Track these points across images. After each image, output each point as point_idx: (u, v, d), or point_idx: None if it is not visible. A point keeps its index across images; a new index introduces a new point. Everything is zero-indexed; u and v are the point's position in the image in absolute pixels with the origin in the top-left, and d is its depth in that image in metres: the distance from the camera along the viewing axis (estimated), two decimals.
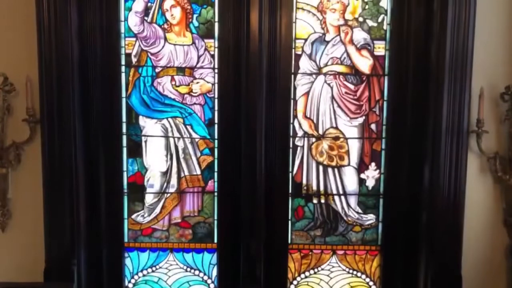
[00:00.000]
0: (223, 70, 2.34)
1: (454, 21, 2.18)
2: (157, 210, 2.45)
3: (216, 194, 2.42)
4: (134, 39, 2.36)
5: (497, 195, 2.37)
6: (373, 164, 2.42)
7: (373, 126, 2.40)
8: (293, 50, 2.35)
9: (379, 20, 2.35)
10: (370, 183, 2.44)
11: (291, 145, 2.40)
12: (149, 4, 2.34)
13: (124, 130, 2.40)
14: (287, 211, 2.43)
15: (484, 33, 2.24)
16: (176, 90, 2.38)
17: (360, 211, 2.45)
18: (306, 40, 2.35)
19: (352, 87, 2.38)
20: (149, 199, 2.45)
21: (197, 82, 2.38)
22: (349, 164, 2.42)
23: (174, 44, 2.37)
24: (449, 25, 2.18)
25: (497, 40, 2.29)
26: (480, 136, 2.27)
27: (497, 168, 2.31)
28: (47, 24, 2.18)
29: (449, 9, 2.17)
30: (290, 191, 2.43)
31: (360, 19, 2.35)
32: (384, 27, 2.35)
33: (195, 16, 2.35)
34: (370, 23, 2.35)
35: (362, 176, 2.43)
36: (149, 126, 2.41)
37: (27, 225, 2.34)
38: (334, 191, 2.44)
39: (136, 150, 2.42)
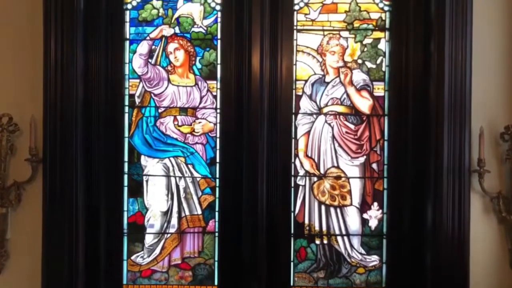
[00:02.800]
0: (225, 110, 2.38)
1: (451, 62, 2.22)
2: (157, 251, 2.41)
3: (217, 234, 2.39)
4: (138, 80, 2.41)
5: (502, 236, 2.33)
6: (375, 204, 2.40)
7: (374, 166, 2.40)
8: (294, 91, 2.39)
9: (378, 62, 2.40)
10: (373, 224, 2.41)
11: (292, 184, 2.39)
12: (153, 47, 2.41)
13: (125, 169, 2.40)
14: (289, 252, 2.39)
15: (481, 73, 2.28)
16: (179, 130, 2.41)
17: (363, 252, 2.41)
18: (306, 81, 2.40)
19: (352, 127, 2.40)
20: (149, 239, 2.42)
21: (199, 122, 2.40)
22: (351, 204, 2.41)
23: (177, 85, 2.41)
24: (447, 66, 2.22)
25: (494, 80, 2.32)
26: (482, 176, 2.26)
27: (500, 208, 2.29)
28: (54, 66, 2.24)
29: (445, 50, 2.22)
30: (292, 231, 2.39)
31: (359, 61, 2.40)
32: (383, 69, 2.40)
33: (198, 58, 2.41)
34: (369, 64, 2.40)
35: (365, 216, 2.41)
36: (151, 165, 2.41)
37: (25, 267, 2.31)
38: (337, 232, 2.41)
39: (137, 190, 2.41)
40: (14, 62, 2.32)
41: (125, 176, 2.40)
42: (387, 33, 2.39)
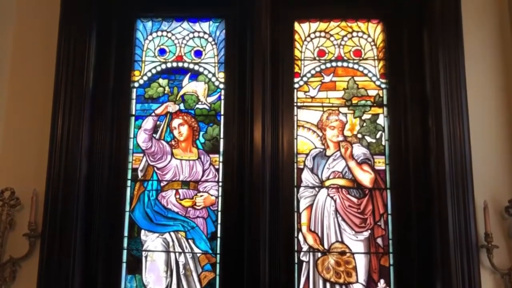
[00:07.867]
0: (227, 183, 2.38)
1: (450, 137, 2.26)
2: None
3: None
4: (141, 154, 2.45)
5: None
6: (382, 281, 2.31)
7: (379, 241, 2.35)
8: (295, 164, 2.41)
9: (377, 136, 2.45)
10: None
11: (296, 260, 2.32)
12: (158, 122, 2.48)
13: (125, 244, 2.35)
14: None
15: (481, 147, 2.31)
16: (180, 204, 2.39)
17: None
18: (307, 155, 2.43)
19: (355, 200, 2.38)
20: None
21: (201, 195, 2.40)
22: (357, 281, 2.31)
23: (180, 159, 2.44)
24: (446, 141, 2.26)
25: (495, 154, 2.33)
26: (490, 251, 2.19)
27: None
28: (59, 142, 2.29)
29: (443, 125, 2.27)
30: None
31: (359, 135, 2.45)
32: (383, 143, 2.44)
33: (201, 133, 2.47)
34: (369, 139, 2.44)
35: None
36: (150, 240, 2.37)
37: None
38: None
39: (136, 266, 2.34)
40: (22, 138, 2.38)
41: (124, 252, 2.35)
42: (385, 109, 2.46)
